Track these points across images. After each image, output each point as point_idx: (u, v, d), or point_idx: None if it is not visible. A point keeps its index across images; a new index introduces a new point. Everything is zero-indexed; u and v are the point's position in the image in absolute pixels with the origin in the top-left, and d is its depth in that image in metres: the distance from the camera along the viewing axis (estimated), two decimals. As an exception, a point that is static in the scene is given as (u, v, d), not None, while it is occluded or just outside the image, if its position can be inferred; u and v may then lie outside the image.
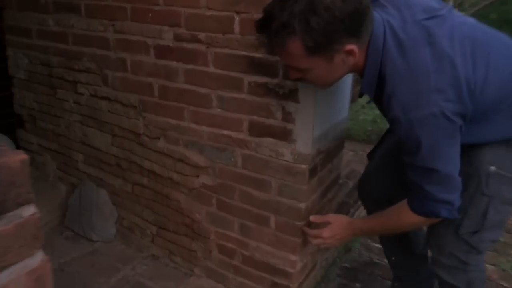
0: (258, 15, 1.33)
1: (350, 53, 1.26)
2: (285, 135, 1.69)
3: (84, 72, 2.27)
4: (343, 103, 1.89)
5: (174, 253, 2.26)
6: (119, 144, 2.27)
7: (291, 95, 1.63)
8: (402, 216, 1.47)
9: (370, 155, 1.88)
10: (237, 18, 1.64)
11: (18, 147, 2.92)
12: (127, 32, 1.99)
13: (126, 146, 2.24)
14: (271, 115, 1.69)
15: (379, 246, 2.24)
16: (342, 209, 2.49)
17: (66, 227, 2.59)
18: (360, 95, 1.51)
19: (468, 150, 1.42)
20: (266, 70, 1.65)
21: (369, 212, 1.89)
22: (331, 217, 1.74)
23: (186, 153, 1.98)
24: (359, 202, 2.50)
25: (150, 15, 1.87)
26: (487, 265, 2.25)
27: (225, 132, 1.83)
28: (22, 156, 0.74)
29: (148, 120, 2.07)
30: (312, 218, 1.77)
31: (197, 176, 2.00)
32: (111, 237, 2.47)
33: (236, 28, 1.66)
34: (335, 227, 1.68)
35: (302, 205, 1.75)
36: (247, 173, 1.84)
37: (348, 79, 1.86)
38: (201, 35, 1.76)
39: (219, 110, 1.82)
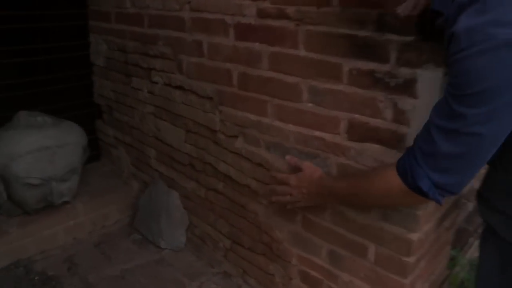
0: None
1: None
2: (395, 141, 1.26)
3: (158, 58, 2.00)
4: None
5: (249, 273, 1.91)
6: (193, 141, 1.97)
7: (407, 87, 1.19)
8: (379, 175, 1.16)
9: None
10: (339, -17, 1.25)
11: (96, 138, 2.76)
12: (204, 10, 1.68)
13: (201, 144, 1.93)
14: (378, 113, 1.27)
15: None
16: (461, 238, 1.98)
17: (135, 229, 2.35)
18: None
19: None
20: (373, 54, 1.23)
21: None
22: (306, 165, 1.45)
23: (268, 157, 1.62)
24: (480, 230, 1.97)
25: (229, -15, 1.54)
26: None
27: (317, 133, 1.44)
28: None
29: (225, 114, 1.74)
30: (288, 157, 1.52)
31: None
32: (181, 246, 2.18)
33: (336, -2, 1.26)
34: (304, 176, 1.43)
35: (413, 236, 1.31)
36: (343, 187, 1.42)
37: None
38: (290, 10, 1.39)
39: (310, 105, 1.43)
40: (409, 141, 1.22)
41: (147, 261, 2.13)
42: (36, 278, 2.02)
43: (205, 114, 1.84)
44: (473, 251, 2.06)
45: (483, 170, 1.09)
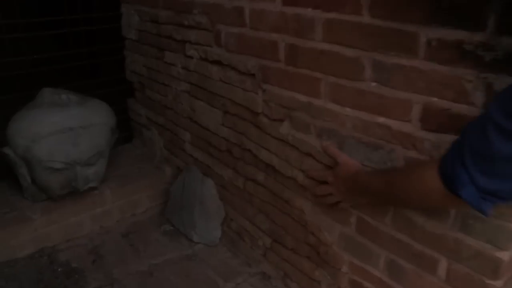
0: None
1: None
2: (487, 133, 0.97)
3: (194, 29, 1.75)
4: None
5: (290, 277, 1.67)
6: (231, 124, 1.73)
7: (508, 63, 0.90)
8: (416, 172, 1.00)
9: None
10: None
11: (128, 118, 2.56)
12: (246, -31, 1.42)
13: (240, 127, 1.68)
14: (464, 97, 0.99)
15: None
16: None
17: (166, 219, 2.15)
18: None
19: None
20: (462, 18, 0.94)
21: None
22: (343, 158, 1.28)
23: (319, 145, 1.36)
24: None
25: None
26: None
27: (381, 120, 1.16)
28: None
29: (270, 94, 1.48)
30: (324, 144, 1.33)
31: (331, 181, 1.37)
32: (215, 241, 1.97)
33: None
34: (340, 171, 1.27)
35: (504, 255, 1.03)
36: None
37: None
38: (355, -36, 1.11)
39: (373, 84, 1.15)
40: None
41: (178, 256, 1.92)
42: (59, 270, 1.86)
43: (245, 94, 1.59)
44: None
45: None
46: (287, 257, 1.66)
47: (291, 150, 1.47)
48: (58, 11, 2.25)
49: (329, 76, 1.26)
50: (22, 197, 2.02)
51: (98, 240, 2.02)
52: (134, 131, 2.56)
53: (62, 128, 1.80)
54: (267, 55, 1.44)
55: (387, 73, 1.11)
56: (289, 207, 1.58)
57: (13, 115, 1.86)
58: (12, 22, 2.20)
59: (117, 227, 2.11)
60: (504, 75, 0.91)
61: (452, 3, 0.95)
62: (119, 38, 2.36)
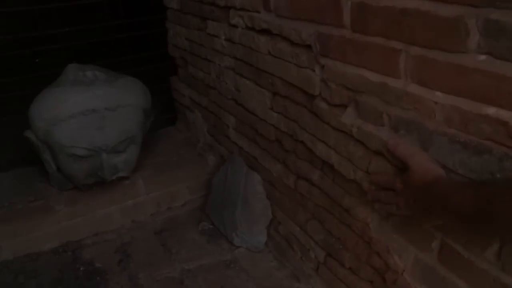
0: None
1: None
2: None
3: (239, -10, 1.43)
4: None
5: (348, 302, 1.34)
6: (281, 108, 1.40)
7: None
8: None
9: None
10: None
11: (171, 98, 2.30)
12: None
13: (292, 113, 1.35)
14: None
15: None
16: None
17: (207, 216, 1.87)
18: None
19: None
20: None
21: None
22: (417, 160, 0.94)
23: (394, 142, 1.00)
24: None
25: None
26: None
27: (492, 111, 0.79)
28: None
29: (330, 71, 1.13)
30: (391, 141, 0.99)
31: (410, 191, 1.01)
32: (259, 246, 1.67)
33: None
34: (412, 179, 0.93)
35: None
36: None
37: None
38: None
39: (483, 57, 0.78)
40: None
41: (215, 261, 1.64)
42: (81, 269, 1.64)
43: (299, 71, 1.25)
44: None
45: None
46: (344, 277, 1.33)
47: (356, 146, 1.11)
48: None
49: (413, 46, 0.89)
50: (49, 184, 1.82)
51: (127, 237, 1.78)
52: (177, 112, 2.29)
53: (84, 110, 1.55)
54: (327, 19, 1.09)
55: (506, 40, 0.74)
56: (350, 218, 1.23)
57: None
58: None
59: (150, 222, 1.86)
60: None
61: None
62: (161, 8, 2.08)
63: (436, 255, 1.00)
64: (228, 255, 1.66)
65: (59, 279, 1.60)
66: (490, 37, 0.75)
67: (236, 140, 1.76)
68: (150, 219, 1.87)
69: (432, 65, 0.86)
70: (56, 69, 1.75)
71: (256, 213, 1.64)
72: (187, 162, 1.99)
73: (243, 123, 1.66)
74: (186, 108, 2.16)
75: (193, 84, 2.01)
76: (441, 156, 0.91)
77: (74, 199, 1.75)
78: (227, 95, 1.72)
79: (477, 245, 0.89)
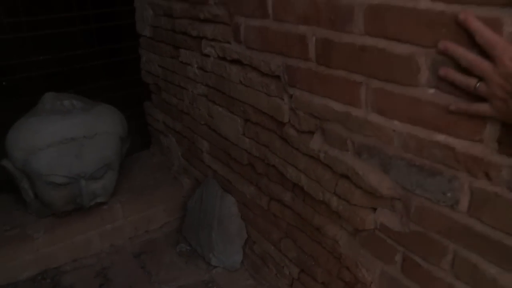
0: None
1: None
2: None
3: (210, 23, 1.51)
4: None
5: (322, 315, 1.41)
6: (253, 134, 1.47)
7: None
8: None
9: None
10: None
11: (145, 123, 2.34)
12: None
13: (263, 139, 1.43)
14: None
15: None
16: None
17: (184, 237, 1.92)
18: None
19: None
20: None
21: None
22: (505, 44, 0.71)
23: (358, 166, 1.08)
24: None
25: None
26: None
27: (441, 137, 0.88)
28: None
29: (298, 100, 1.22)
30: (463, 14, 0.77)
31: (373, 210, 1.10)
32: (236, 265, 1.72)
33: None
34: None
35: None
36: (480, 227, 0.87)
37: None
38: None
39: (432, 91, 0.87)
40: None
41: (194, 281, 1.69)
42: (61, 296, 1.66)
43: (269, 99, 1.33)
44: None
45: None
46: (318, 292, 1.40)
47: (323, 170, 1.20)
48: (67, 7, 2.04)
49: (373, 80, 0.98)
50: (26, 212, 1.83)
51: (107, 261, 1.81)
52: (151, 137, 2.34)
53: (63, 139, 1.59)
54: (294, 53, 1.17)
55: (451, 76, 0.83)
56: (320, 236, 1.31)
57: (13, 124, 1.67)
58: (17, 21, 2.02)
59: (129, 245, 1.90)
60: None
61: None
62: (134, 35, 2.14)
63: (399, 267, 1.09)
64: (206, 275, 1.72)
65: (38, 307, 1.62)
66: (437, 74, 0.85)
67: (210, 163, 1.82)
68: (129, 243, 1.90)
69: (390, 97, 0.96)
70: (33, 96, 1.79)
71: (232, 234, 1.70)
72: (163, 186, 2.04)
73: (217, 148, 1.73)
74: (160, 132, 2.22)
75: (166, 109, 2.07)
76: (400, 178, 1.00)
77: (52, 226, 1.77)
78: (200, 121, 1.78)
79: (434, 256, 0.98)
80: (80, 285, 1.70)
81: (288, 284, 1.54)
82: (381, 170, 1.03)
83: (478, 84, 0.75)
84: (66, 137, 1.59)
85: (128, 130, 1.87)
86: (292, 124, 1.27)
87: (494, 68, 0.72)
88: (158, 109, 2.17)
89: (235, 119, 1.54)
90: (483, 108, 0.77)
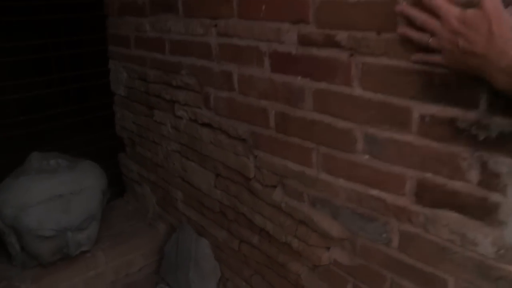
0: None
1: None
2: (482, 212, 0.95)
3: (182, 89, 1.74)
4: None
5: None
6: (224, 187, 1.70)
7: (503, 143, 0.89)
8: None
9: None
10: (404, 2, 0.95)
11: (119, 173, 2.52)
12: (233, 34, 1.41)
13: (233, 191, 1.65)
14: (459, 174, 0.97)
15: None
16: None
17: (162, 278, 2.09)
18: None
19: None
20: (455, 96, 0.93)
21: None
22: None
23: (313, 214, 1.33)
24: None
25: (263, 7, 1.26)
26: None
27: (375, 192, 1.14)
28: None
29: (261, 160, 1.46)
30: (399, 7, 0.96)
31: (327, 249, 1.34)
32: (212, 302, 1.91)
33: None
34: (480, 16, 0.77)
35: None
36: (408, 260, 1.13)
37: None
38: (341, 36, 1.10)
39: (366, 157, 1.13)
40: (503, 213, 0.92)
41: (174, 320, 1.87)
42: None
43: (237, 158, 1.56)
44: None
45: None
46: (286, 322, 1.61)
47: (285, 217, 1.43)
48: (48, 69, 2.23)
49: (321, 146, 1.24)
50: (10, 264, 1.96)
51: (91, 306, 1.96)
52: (126, 186, 2.52)
53: (51, 196, 1.76)
54: (257, 122, 1.42)
55: (379, 146, 1.10)
56: (285, 271, 1.53)
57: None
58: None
59: (111, 290, 2.05)
60: (500, 155, 0.90)
61: (443, 81, 0.94)
62: (109, 93, 2.35)
63: (351, 296, 1.33)
64: (185, 313, 1.90)
65: None
66: (369, 143, 1.11)
67: (184, 211, 2.02)
68: (111, 286, 2.06)
69: (335, 160, 1.21)
70: (14, 153, 1.96)
71: (207, 273, 1.89)
72: (140, 232, 2.21)
73: (190, 197, 1.94)
74: (134, 182, 2.40)
75: (141, 161, 2.26)
76: (347, 223, 1.24)
77: (38, 276, 1.90)
78: (174, 174, 1.99)
79: (376, 283, 1.22)
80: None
81: (259, 316, 1.75)
82: (332, 217, 1.27)
83: (430, 39, 0.89)
84: (55, 194, 1.76)
85: (108, 183, 2.05)
86: (257, 179, 1.50)
87: (442, 26, 0.85)
88: (132, 160, 2.36)
89: (207, 174, 1.76)
90: (437, 58, 0.90)
